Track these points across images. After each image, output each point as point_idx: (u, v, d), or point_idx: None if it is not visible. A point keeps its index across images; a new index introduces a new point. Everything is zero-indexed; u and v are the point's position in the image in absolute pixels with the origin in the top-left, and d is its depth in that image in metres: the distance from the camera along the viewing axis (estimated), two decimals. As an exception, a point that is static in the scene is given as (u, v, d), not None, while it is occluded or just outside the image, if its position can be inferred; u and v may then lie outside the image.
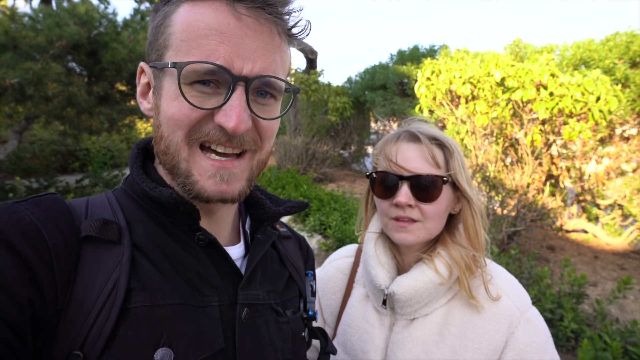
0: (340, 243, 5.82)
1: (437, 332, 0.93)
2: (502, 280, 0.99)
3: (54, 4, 8.27)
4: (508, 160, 5.52)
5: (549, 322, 3.61)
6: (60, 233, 0.56)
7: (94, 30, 7.73)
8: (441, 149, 0.95)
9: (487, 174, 5.29)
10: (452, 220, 1.02)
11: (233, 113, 0.57)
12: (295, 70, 13.71)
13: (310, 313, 0.81)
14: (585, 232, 6.48)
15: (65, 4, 8.32)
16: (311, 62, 13.51)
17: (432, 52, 11.82)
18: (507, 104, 5.02)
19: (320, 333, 0.85)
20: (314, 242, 6.52)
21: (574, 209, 6.52)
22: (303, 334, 0.79)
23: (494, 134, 5.38)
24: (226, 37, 0.57)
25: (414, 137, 0.96)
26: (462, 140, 5.50)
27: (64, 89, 7.10)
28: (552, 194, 5.80)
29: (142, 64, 0.66)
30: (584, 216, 6.39)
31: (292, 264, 0.83)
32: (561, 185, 6.06)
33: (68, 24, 7.25)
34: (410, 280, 0.94)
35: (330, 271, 1.17)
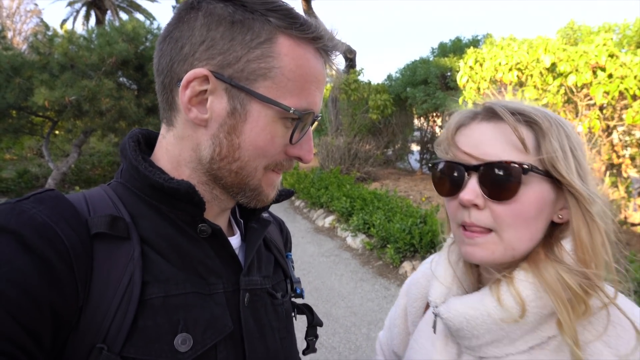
0: (384, 242, 5.70)
1: None
2: None
3: (107, 23, 8.81)
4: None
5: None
6: (74, 231, 0.56)
7: (140, 45, 8.16)
8: (530, 127, 0.68)
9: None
10: (553, 233, 0.72)
11: (310, 146, 0.68)
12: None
13: (298, 291, 0.85)
14: (656, 225, 5.91)
15: (116, 23, 8.85)
16: (350, 62, 13.43)
17: (475, 43, 11.36)
18: (558, 91, 4.69)
19: (305, 308, 0.88)
20: (358, 241, 6.45)
21: (642, 200, 5.95)
22: (293, 314, 0.85)
23: (546, 123, 5.04)
24: (320, 86, 0.66)
25: (492, 114, 0.70)
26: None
27: (116, 103, 7.54)
28: (614, 185, 5.34)
29: (204, 71, 0.60)
30: (653, 208, 5.82)
31: (276, 248, 0.87)
32: (624, 175, 5.56)
33: (117, 41, 7.70)
34: (464, 305, 0.71)
35: (417, 275, 0.98)
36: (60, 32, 8.43)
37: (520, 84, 4.95)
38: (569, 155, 0.67)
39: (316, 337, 0.88)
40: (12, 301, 0.48)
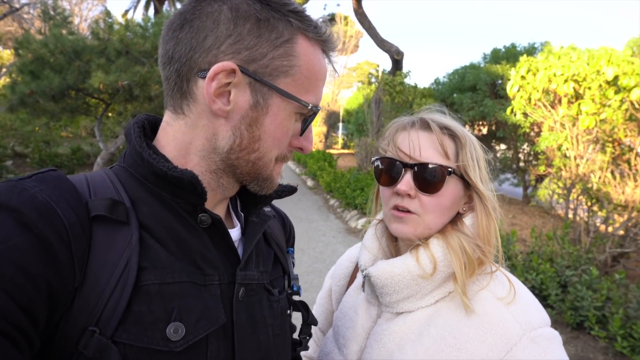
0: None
1: (416, 332, 0.86)
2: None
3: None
4: (618, 172, 4.79)
5: (662, 365, 3.03)
6: (73, 212, 0.56)
7: (191, 35, 8.42)
8: (452, 140, 0.89)
9: (589, 185, 4.64)
10: (456, 216, 0.93)
11: (311, 138, 0.74)
12: (382, 71, 13.44)
13: (295, 288, 0.87)
14: None
15: (172, 13, 9.17)
16: (397, 63, 13.23)
17: (531, 50, 10.80)
18: (619, 106, 4.36)
19: (301, 306, 0.89)
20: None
21: None
22: (289, 312, 0.86)
23: (601, 141, 4.70)
24: (324, 84, 0.73)
25: (425, 125, 0.90)
26: (559, 147, 4.91)
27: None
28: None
29: (232, 64, 0.62)
30: None
31: (277, 243, 0.87)
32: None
33: (171, 30, 7.95)
34: (389, 265, 0.89)
35: (342, 258, 1.19)
36: (120, 20, 8.84)
37: (576, 97, 4.64)
38: (476, 164, 0.89)
39: (310, 335, 0.90)
40: (9, 279, 0.48)
